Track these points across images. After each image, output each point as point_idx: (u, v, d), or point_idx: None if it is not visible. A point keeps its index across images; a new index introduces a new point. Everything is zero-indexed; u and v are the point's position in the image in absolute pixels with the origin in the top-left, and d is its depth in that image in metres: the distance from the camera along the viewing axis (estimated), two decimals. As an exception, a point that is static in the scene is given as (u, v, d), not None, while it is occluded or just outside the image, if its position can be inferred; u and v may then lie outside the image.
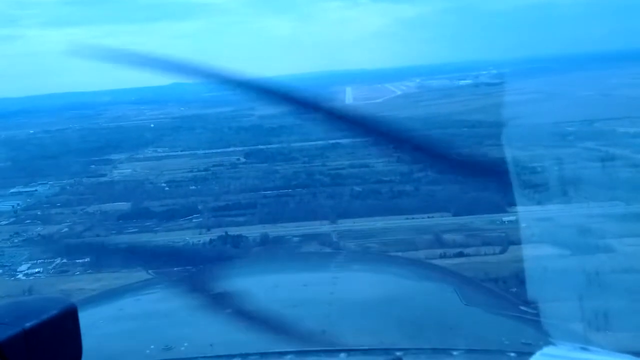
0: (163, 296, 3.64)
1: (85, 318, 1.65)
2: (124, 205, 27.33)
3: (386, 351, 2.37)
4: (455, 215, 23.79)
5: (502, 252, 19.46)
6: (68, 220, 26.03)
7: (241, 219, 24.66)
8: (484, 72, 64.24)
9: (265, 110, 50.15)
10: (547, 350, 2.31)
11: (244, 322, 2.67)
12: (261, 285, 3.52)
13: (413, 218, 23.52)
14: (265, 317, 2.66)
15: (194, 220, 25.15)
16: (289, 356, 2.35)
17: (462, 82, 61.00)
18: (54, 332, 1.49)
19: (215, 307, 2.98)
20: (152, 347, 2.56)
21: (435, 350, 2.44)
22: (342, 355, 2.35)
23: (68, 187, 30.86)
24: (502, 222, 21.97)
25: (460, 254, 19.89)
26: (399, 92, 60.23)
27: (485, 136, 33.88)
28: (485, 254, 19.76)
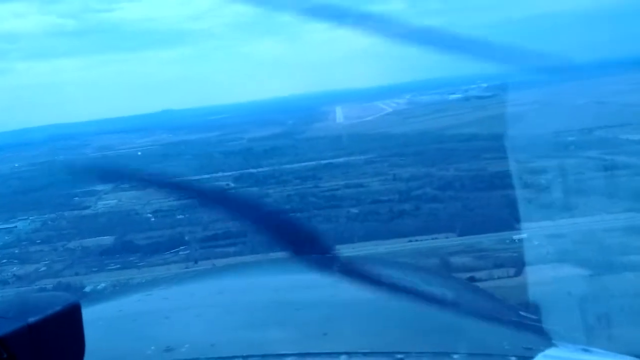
0: (166, 296, 3.57)
1: (85, 317, 1.60)
2: (107, 240, 25.23)
3: (387, 354, 2.31)
4: (460, 235, 21.78)
5: (517, 274, 17.44)
6: (47, 258, 23.96)
7: (231, 249, 22.53)
8: (474, 86, 63.11)
9: (254, 133, 48.81)
10: (549, 351, 2.28)
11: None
12: (262, 287, 3.54)
13: (416, 240, 21.46)
14: None
15: (180, 253, 23.03)
16: (290, 358, 2.32)
17: (453, 97, 59.75)
18: (58, 328, 1.48)
19: None
20: (152, 347, 2.46)
21: (436, 354, 2.41)
22: (343, 357, 2.29)
23: (49, 222, 28.72)
24: (513, 241, 20.02)
25: (472, 279, 17.80)
26: (389, 110, 58.92)
27: (483, 150, 32.28)
28: (499, 278, 17.73)
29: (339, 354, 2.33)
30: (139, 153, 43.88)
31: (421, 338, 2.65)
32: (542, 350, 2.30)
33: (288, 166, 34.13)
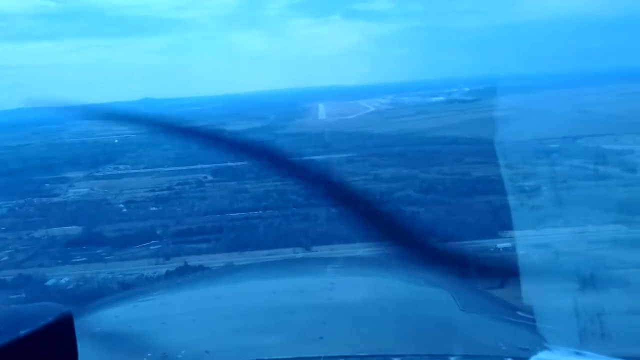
0: (162, 302, 3.52)
1: (80, 326, 1.60)
2: (74, 230, 23.71)
3: (383, 357, 2.31)
4: (442, 241, 20.69)
5: (500, 286, 16.36)
6: (10, 247, 22.40)
7: (204, 245, 21.25)
8: (456, 90, 62.72)
9: (235, 126, 47.47)
10: (541, 355, 2.25)
11: None
12: (258, 291, 3.49)
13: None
14: None
15: (151, 248, 21.61)
16: None
17: (435, 99, 59.17)
18: (49, 340, 1.46)
19: None
20: (149, 354, 2.44)
21: (432, 356, 2.39)
22: None
23: (17, 209, 27.04)
24: (497, 250, 19.06)
25: (455, 290, 16.80)
26: (372, 109, 58.10)
27: (465, 153, 31.45)
28: (483, 289, 16.69)
29: (336, 357, 2.31)
30: (116, 140, 42.31)
31: (417, 340, 2.59)
32: (538, 351, 2.26)
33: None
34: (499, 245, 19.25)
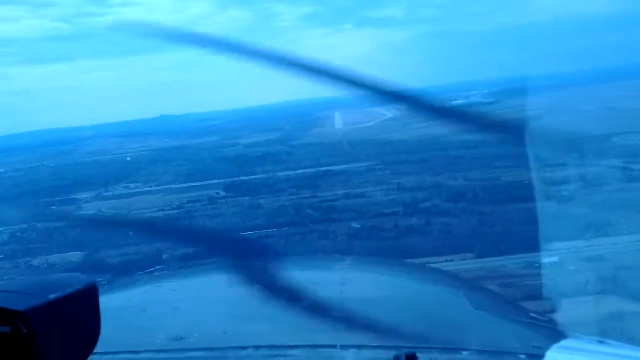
0: (174, 287, 3.70)
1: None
2: (75, 256, 21.63)
3: (396, 347, 2.24)
4: (479, 256, 18.07)
5: (555, 308, 13.70)
6: (5, 277, 20.30)
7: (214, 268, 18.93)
8: (475, 92, 60.16)
9: (250, 139, 45.43)
10: (564, 342, 2.20)
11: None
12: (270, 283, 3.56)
13: (428, 262, 17.72)
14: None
15: (155, 274, 19.31)
16: (299, 349, 2.33)
17: (454, 103, 56.46)
18: (76, 306, 1.50)
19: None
20: (162, 336, 2.50)
21: (445, 350, 2.36)
22: (353, 350, 2.29)
23: (18, 234, 25.05)
24: (543, 265, 16.29)
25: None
26: (389, 115, 55.51)
27: (493, 157, 28.80)
28: (536, 313, 14.01)
29: (349, 346, 2.31)
30: (128, 158, 40.47)
31: (432, 334, 2.52)
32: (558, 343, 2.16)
33: (283, 173, 30.78)
34: (546, 260, 16.68)
